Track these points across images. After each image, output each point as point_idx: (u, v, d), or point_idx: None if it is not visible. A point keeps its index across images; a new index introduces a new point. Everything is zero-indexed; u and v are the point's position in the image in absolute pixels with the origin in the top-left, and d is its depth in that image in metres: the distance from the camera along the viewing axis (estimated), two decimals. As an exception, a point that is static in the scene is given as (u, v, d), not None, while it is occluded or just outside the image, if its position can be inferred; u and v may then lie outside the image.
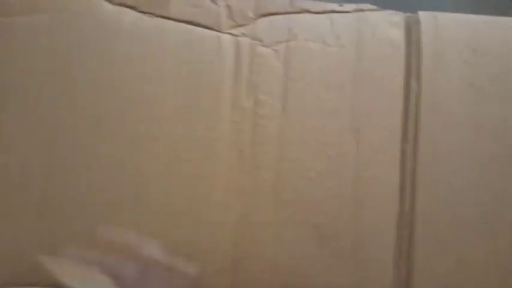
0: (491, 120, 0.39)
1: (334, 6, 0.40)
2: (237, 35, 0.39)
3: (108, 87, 0.38)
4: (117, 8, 0.39)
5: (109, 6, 0.39)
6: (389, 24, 0.40)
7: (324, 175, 0.38)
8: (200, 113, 0.38)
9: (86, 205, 0.37)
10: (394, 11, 0.41)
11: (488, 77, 0.40)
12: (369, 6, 0.41)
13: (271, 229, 0.37)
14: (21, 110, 0.37)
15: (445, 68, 0.40)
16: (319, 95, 0.39)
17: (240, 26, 0.40)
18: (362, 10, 0.40)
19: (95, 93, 0.38)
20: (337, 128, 0.39)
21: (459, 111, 0.39)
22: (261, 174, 0.38)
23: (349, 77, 0.39)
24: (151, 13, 0.39)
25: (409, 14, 0.41)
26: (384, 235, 0.38)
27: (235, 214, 0.37)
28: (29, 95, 0.38)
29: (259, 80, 0.39)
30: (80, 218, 0.36)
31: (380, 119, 0.39)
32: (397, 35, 0.40)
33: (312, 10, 0.40)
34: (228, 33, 0.39)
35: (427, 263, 0.38)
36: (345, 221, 0.38)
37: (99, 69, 0.38)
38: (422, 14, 0.40)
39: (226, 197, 0.37)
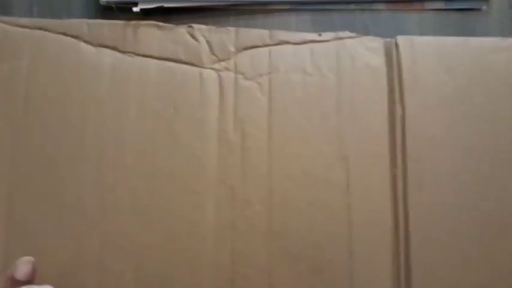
0: (469, 139, 0.39)
1: (314, 36, 0.41)
2: (220, 70, 0.39)
3: (88, 128, 0.37)
4: (97, 49, 0.39)
5: (89, 48, 0.39)
6: (368, 51, 0.41)
7: (314, 206, 0.38)
8: (186, 150, 0.38)
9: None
10: (372, 37, 0.41)
11: (460, 94, 0.40)
12: (348, 33, 0.41)
13: (264, 264, 0.37)
14: None
15: (424, 90, 0.40)
16: (303, 125, 0.39)
17: (222, 60, 0.40)
18: (340, 38, 0.41)
19: (75, 135, 0.37)
20: (324, 158, 0.38)
21: (441, 133, 0.40)
22: (253, 209, 0.37)
23: (332, 105, 0.39)
24: (132, 52, 0.39)
25: (387, 40, 0.41)
26: (380, 262, 0.38)
27: (229, 252, 0.37)
28: (5, 140, 0.37)
29: (244, 113, 0.39)
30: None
31: (367, 146, 0.39)
32: (378, 61, 0.41)
33: (292, 41, 0.40)
34: (210, 68, 0.39)
35: None
36: (338, 251, 0.37)
37: (79, 112, 0.38)
38: (400, 39, 0.41)
39: (219, 236, 0.37)
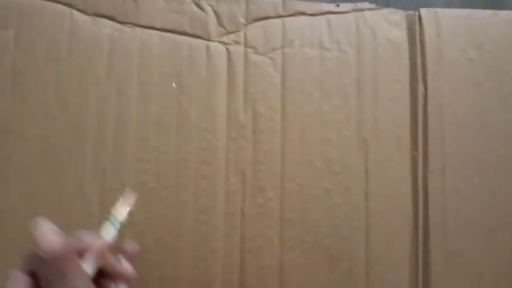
0: (495, 119, 0.37)
1: (331, 7, 0.37)
2: (228, 43, 0.36)
3: (88, 108, 0.34)
4: (93, 19, 0.35)
5: (83, 18, 0.35)
6: (390, 24, 0.38)
7: (332, 192, 0.35)
8: (192, 131, 0.35)
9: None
10: (393, 9, 0.38)
11: (490, 74, 0.38)
12: (368, 5, 0.38)
13: (277, 253, 0.34)
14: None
15: (449, 68, 0.37)
16: (320, 105, 0.36)
17: (231, 33, 0.36)
18: (361, 10, 0.37)
19: (75, 114, 0.34)
20: (343, 140, 0.36)
21: (465, 112, 0.37)
22: (265, 195, 0.35)
23: (352, 84, 0.36)
24: (131, 23, 0.35)
25: (409, 12, 0.38)
26: (398, 252, 0.36)
27: (239, 240, 0.34)
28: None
29: (256, 91, 0.35)
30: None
31: (387, 127, 0.36)
32: (399, 35, 0.38)
33: (308, 12, 0.37)
34: (218, 41, 0.36)
35: (444, 278, 0.36)
36: (356, 240, 0.35)
37: (77, 90, 0.34)
38: (423, 12, 0.38)
39: (229, 223, 0.34)
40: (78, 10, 0.35)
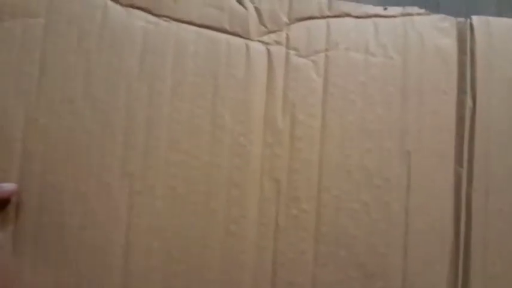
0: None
1: (378, 10, 0.35)
2: (269, 43, 0.34)
3: (117, 106, 0.32)
4: (127, 10, 0.33)
5: (116, 9, 0.32)
6: (439, 31, 0.35)
7: (371, 206, 0.33)
8: (226, 135, 0.33)
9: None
10: (443, 15, 0.36)
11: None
12: (417, 9, 0.35)
13: (310, 268, 0.33)
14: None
15: (500, 80, 0.35)
16: (363, 113, 0.34)
17: (272, 32, 0.34)
18: (409, 14, 0.35)
19: (103, 112, 0.32)
20: (385, 152, 0.34)
21: (512, 131, 0.35)
22: (300, 206, 0.33)
23: (397, 92, 0.34)
24: (167, 16, 0.33)
25: (460, 19, 0.36)
26: (437, 273, 0.34)
27: (271, 253, 0.32)
28: (18, 116, 0.31)
29: (296, 96, 0.33)
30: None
31: (432, 140, 0.34)
32: (448, 43, 0.35)
33: (353, 14, 0.35)
34: (259, 40, 0.34)
35: (482, 300, 0.34)
36: (394, 257, 0.33)
37: (106, 85, 0.32)
38: (475, 19, 0.35)
39: (262, 235, 0.32)
40: (112, 0, 0.33)
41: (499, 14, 0.37)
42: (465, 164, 0.35)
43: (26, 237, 0.30)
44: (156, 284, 0.32)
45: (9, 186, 0.29)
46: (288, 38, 0.34)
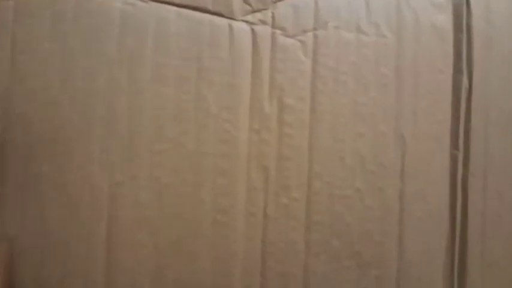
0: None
1: (370, -14, 0.33)
2: (254, 23, 0.32)
3: (96, 92, 0.30)
4: (102, -9, 0.31)
5: (91, -11, 0.30)
6: (434, 7, 0.34)
7: (364, 193, 0.32)
8: (211, 121, 0.31)
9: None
10: (438, -9, 0.34)
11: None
12: (411, -15, 0.34)
13: (302, 258, 0.31)
14: None
15: (498, 60, 0.34)
16: (355, 96, 0.32)
17: (257, 11, 0.32)
18: (403, -10, 0.33)
19: (81, 99, 0.30)
20: (378, 136, 0.32)
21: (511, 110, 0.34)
22: (290, 195, 0.31)
23: (391, 73, 0.33)
24: (146, -3, 0.31)
25: (456, -6, 0.34)
26: (433, 258, 0.33)
27: (261, 243, 0.31)
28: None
29: (283, 79, 0.32)
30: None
31: (427, 123, 0.33)
32: (444, 20, 0.34)
33: (344, -9, 0.33)
34: (243, 20, 0.32)
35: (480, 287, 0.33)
36: (389, 244, 0.32)
37: (83, 71, 0.30)
38: (472, -6, 0.34)
39: (250, 224, 0.31)
40: (86, -20, 0.31)
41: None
42: (461, 147, 0.33)
43: (7, 228, 0.29)
44: (144, 277, 0.30)
45: None
46: (273, 17, 0.32)
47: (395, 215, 0.32)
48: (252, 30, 0.32)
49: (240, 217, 0.31)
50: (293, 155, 0.31)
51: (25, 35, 0.30)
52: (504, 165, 0.33)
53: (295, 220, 0.31)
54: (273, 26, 0.32)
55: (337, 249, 0.32)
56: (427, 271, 0.32)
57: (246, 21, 0.32)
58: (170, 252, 0.30)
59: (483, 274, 0.33)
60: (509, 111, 0.33)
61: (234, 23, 0.32)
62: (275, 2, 0.32)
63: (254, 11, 0.32)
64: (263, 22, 0.32)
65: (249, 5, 0.32)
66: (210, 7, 0.31)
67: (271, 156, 0.31)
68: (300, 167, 0.32)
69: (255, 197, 0.31)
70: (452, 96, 0.33)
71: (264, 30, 0.32)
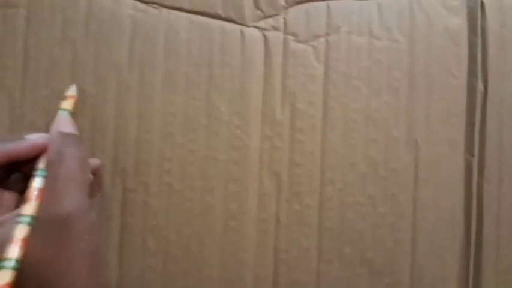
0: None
1: (382, -11, 0.33)
2: (266, 29, 0.32)
3: (107, 99, 0.30)
4: (113, -3, 0.31)
5: (102, -4, 0.30)
6: (448, 11, 0.33)
7: (377, 199, 0.32)
8: (222, 127, 0.31)
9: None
10: (452, -6, 0.33)
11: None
12: (423, -12, 0.33)
13: (314, 266, 0.31)
14: None
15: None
16: (368, 101, 0.32)
17: (269, 17, 0.32)
18: (416, -6, 0.33)
19: (92, 106, 0.30)
20: (391, 141, 0.32)
21: (527, 114, 0.33)
22: (302, 201, 0.31)
23: (404, 78, 0.32)
24: (156, 3, 0.31)
25: (470, -3, 0.34)
26: (447, 267, 0.32)
27: (273, 250, 0.31)
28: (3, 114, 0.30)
29: (295, 84, 0.31)
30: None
31: (441, 128, 0.32)
32: (458, 23, 0.33)
33: (356, -5, 0.32)
34: (254, 26, 0.32)
35: (495, 295, 0.32)
36: (402, 251, 0.32)
37: (94, 78, 0.30)
38: (487, -3, 0.33)
39: (262, 231, 0.31)
40: (97, -14, 0.31)
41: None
42: (476, 153, 0.33)
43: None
44: (154, 284, 0.30)
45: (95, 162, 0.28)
46: (285, 23, 0.32)
47: (409, 221, 0.32)
48: (264, 36, 0.32)
49: (251, 224, 0.31)
50: (305, 162, 0.31)
51: (36, 42, 0.30)
52: (520, 171, 0.33)
53: (307, 227, 0.31)
54: (285, 32, 0.32)
55: (350, 256, 0.31)
56: (441, 278, 0.32)
57: (258, 27, 0.32)
58: (180, 259, 0.30)
59: (498, 280, 0.32)
60: (525, 116, 0.33)
61: (246, 29, 0.31)
62: (287, 8, 0.32)
63: (266, 17, 0.32)
64: (275, 28, 0.32)
65: (261, 10, 0.32)
66: (221, 13, 0.31)
67: (283, 163, 0.31)
68: (312, 174, 0.31)
69: (266, 203, 0.31)
70: (467, 100, 0.33)
71: (275, 36, 0.32)
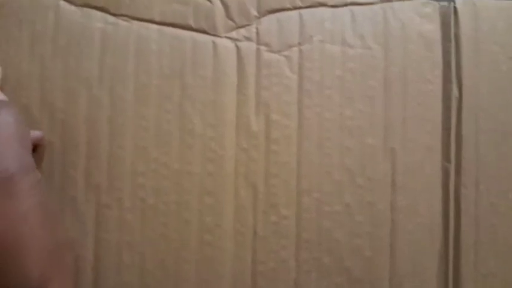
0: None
1: (355, -3, 0.33)
2: (238, 39, 0.31)
3: (77, 114, 0.30)
4: (82, 10, 0.30)
5: (71, 10, 0.30)
6: (421, 17, 0.33)
7: (354, 208, 0.31)
8: (197, 141, 0.30)
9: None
10: (426, 0, 0.33)
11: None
12: (397, -6, 0.33)
13: (293, 277, 0.31)
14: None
15: (488, 68, 0.33)
16: (342, 109, 0.32)
17: (241, 27, 0.31)
18: (389, 0, 0.33)
19: (62, 121, 0.30)
20: (367, 149, 0.32)
21: (504, 120, 0.33)
22: (279, 213, 0.31)
23: (378, 85, 0.32)
24: (126, 15, 0.30)
25: (443, 3, 0.33)
26: (426, 273, 0.32)
27: (250, 262, 0.30)
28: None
29: (269, 95, 0.31)
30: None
31: (417, 135, 0.32)
32: (432, 30, 0.33)
33: (329, 3, 0.32)
34: (226, 37, 0.31)
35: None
36: (380, 260, 0.32)
37: (64, 92, 0.30)
38: (459, 2, 0.33)
39: (239, 244, 0.30)
40: (66, 0, 0.30)
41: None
42: (453, 159, 0.33)
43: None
44: (134, 297, 0.30)
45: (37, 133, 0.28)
46: (258, 33, 0.31)
47: (387, 228, 0.32)
48: (237, 46, 0.31)
49: (228, 237, 0.30)
50: (281, 172, 0.31)
51: (4, 57, 0.29)
52: (496, 175, 0.33)
53: (285, 238, 0.31)
54: (258, 42, 0.31)
55: (328, 266, 0.31)
56: (420, 284, 0.32)
57: (230, 38, 0.31)
58: (156, 274, 0.30)
59: (478, 285, 0.32)
60: (499, 119, 0.33)
61: (218, 40, 0.31)
62: (259, 18, 0.32)
63: (238, 27, 0.31)
64: (247, 38, 0.31)
65: (233, 20, 0.31)
66: (192, 24, 0.31)
67: (259, 174, 0.31)
68: (288, 184, 0.31)
69: (243, 215, 0.31)
70: (442, 106, 0.33)
71: (248, 47, 0.31)
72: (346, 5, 0.32)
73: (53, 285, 0.24)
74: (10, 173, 0.23)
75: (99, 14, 0.30)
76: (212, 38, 0.31)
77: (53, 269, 0.25)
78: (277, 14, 0.32)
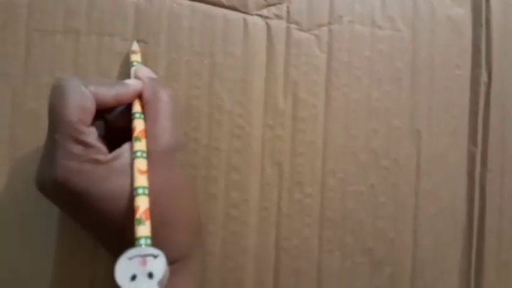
0: None
1: (386, -21, 0.33)
2: (268, 17, 0.31)
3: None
4: (116, -15, 0.30)
5: (105, -16, 0.30)
6: (451, 1, 0.33)
7: (378, 189, 0.32)
8: (224, 117, 0.31)
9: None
10: (456, -16, 0.33)
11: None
12: (427, -23, 0.33)
13: (315, 255, 0.31)
14: None
15: (516, 53, 0.33)
16: (370, 91, 0.32)
17: (272, 5, 0.32)
18: (420, -17, 0.33)
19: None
20: (393, 132, 0.32)
21: (531, 105, 0.33)
22: (304, 191, 0.31)
23: (407, 68, 0.32)
24: (159, -9, 0.31)
25: (475, -13, 0.33)
26: (448, 258, 0.32)
27: (274, 238, 0.31)
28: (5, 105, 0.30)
29: (298, 74, 0.31)
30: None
31: (443, 118, 0.32)
32: (462, 13, 0.33)
33: (359, -16, 0.32)
34: (257, 14, 0.31)
35: None
36: (402, 243, 0.32)
37: (97, 67, 0.30)
38: (491, -13, 0.33)
39: (264, 220, 0.31)
40: (99, -25, 0.30)
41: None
42: (479, 143, 0.32)
43: None
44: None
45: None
46: (288, 11, 0.31)
47: (410, 211, 0.32)
48: (267, 24, 0.32)
49: (253, 212, 0.31)
50: (307, 151, 0.31)
51: (39, 30, 0.30)
52: (522, 163, 0.33)
53: (308, 216, 0.31)
54: (288, 21, 0.32)
55: (350, 246, 0.31)
56: (442, 268, 0.32)
57: (261, 16, 0.32)
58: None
59: (500, 272, 0.32)
60: (529, 107, 0.33)
61: (249, 17, 0.31)
62: (290, -4, 0.32)
63: (269, 5, 0.32)
64: (278, 16, 0.32)
65: (263, -2, 0.32)
66: (224, 1, 0.31)
67: (285, 152, 0.31)
68: (314, 163, 0.31)
69: (268, 192, 0.31)
70: (470, 91, 0.33)
71: (278, 25, 0.31)
72: (376, -14, 0.32)
73: (192, 258, 0.26)
74: (172, 146, 0.25)
75: (132, -11, 0.31)
76: (243, 15, 0.31)
77: (196, 243, 0.27)
78: (308, -6, 0.32)
